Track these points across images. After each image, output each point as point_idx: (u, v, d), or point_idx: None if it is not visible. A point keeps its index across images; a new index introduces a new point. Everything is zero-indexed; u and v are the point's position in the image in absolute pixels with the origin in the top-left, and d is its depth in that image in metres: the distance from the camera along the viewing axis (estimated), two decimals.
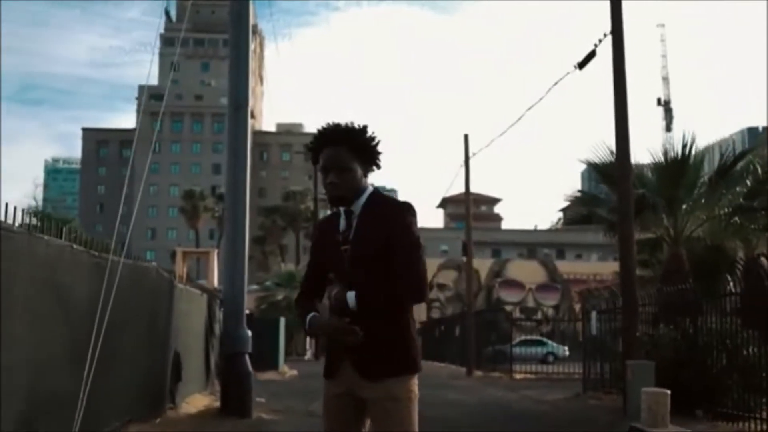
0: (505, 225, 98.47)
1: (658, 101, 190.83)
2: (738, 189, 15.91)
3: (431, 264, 70.26)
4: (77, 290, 7.36)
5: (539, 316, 59.79)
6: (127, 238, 10.02)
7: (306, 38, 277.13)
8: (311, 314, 3.38)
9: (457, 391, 19.73)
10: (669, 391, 11.20)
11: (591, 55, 15.03)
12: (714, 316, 12.61)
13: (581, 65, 15.47)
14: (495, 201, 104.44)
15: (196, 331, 14.46)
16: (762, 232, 15.92)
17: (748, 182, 15.86)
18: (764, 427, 10.92)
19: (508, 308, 62.02)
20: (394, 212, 3.39)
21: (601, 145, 16.22)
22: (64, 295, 7.01)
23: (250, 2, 14.26)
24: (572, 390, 17.89)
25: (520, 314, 60.71)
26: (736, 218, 15.91)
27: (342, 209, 3.46)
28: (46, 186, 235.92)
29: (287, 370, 26.74)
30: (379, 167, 3.53)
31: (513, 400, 17.21)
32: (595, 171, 16.42)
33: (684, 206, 15.94)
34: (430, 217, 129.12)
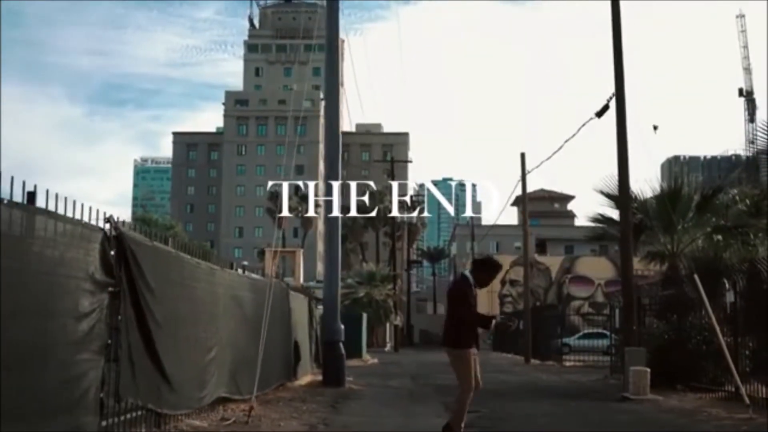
0: (579, 222, 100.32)
1: (740, 92, 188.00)
2: (722, 212, 19.66)
3: (504, 260, 73.82)
4: (244, 299, 12.00)
5: (608, 310, 62.06)
6: (277, 238, 14.55)
7: (375, 33, 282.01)
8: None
9: (509, 375, 24.06)
10: (649, 369, 15.30)
11: (605, 108, 18.97)
12: (696, 313, 16.60)
13: (599, 114, 19.45)
14: (568, 198, 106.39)
15: (302, 325, 19.14)
16: (742, 245, 19.56)
17: (737, 207, 19.58)
18: (720, 395, 14.81)
19: (578, 303, 65.42)
20: None
21: (611, 177, 19.93)
22: (239, 302, 11.65)
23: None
24: (604, 374, 21.84)
25: (590, 309, 63.92)
26: (719, 236, 19.73)
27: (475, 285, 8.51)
28: (135, 185, 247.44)
29: (369, 358, 31.32)
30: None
31: (550, 380, 21.33)
32: (606, 198, 20.28)
33: (679, 227, 19.81)
34: (504, 215, 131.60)
